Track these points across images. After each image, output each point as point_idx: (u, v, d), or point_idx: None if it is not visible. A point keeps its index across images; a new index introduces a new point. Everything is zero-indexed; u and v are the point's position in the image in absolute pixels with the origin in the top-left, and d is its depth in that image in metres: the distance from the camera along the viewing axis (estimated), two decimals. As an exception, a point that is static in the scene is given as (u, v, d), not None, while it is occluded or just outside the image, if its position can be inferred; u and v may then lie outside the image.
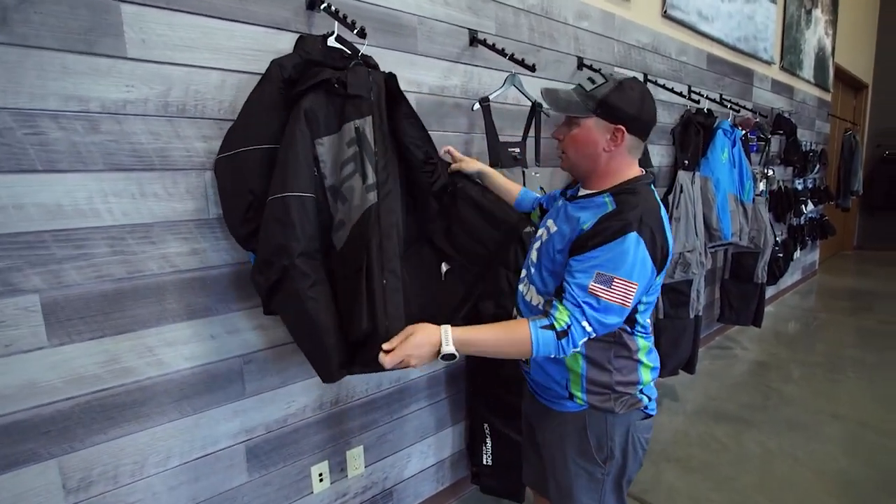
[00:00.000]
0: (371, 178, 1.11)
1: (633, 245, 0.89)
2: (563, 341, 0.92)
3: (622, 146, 0.97)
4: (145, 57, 1.07)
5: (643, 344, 1.05)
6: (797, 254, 4.53)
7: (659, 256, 0.94)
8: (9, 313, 0.97)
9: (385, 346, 0.97)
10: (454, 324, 0.97)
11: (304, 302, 1.03)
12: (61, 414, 1.05)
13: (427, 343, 0.94)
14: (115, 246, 1.08)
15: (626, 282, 0.90)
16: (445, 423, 1.82)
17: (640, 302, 0.99)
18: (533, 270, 1.07)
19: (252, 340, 1.30)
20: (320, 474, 1.48)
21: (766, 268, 3.19)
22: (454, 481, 1.88)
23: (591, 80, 0.98)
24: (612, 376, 1.02)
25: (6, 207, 0.95)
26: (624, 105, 0.94)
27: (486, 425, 1.72)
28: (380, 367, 0.98)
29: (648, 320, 1.04)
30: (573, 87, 1.01)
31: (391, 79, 1.22)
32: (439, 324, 0.97)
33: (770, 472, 2.03)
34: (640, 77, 2.52)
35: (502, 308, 1.43)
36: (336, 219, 1.12)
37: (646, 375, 1.06)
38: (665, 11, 2.63)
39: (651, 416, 1.08)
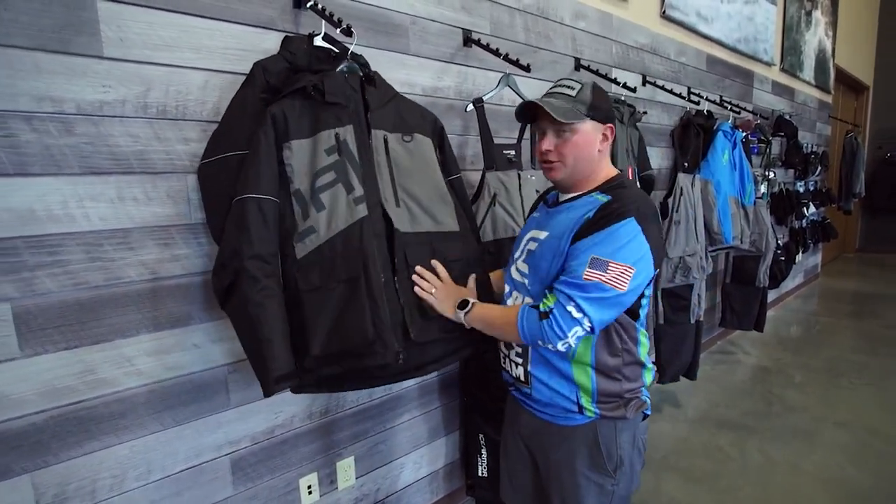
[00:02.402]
0: (359, 191, 1.09)
1: (632, 230, 0.89)
2: (545, 324, 0.89)
3: (607, 145, 1.01)
4: (123, 56, 1.04)
5: (643, 343, 1.04)
6: (799, 257, 4.48)
7: (657, 247, 0.93)
8: (-23, 323, 0.93)
9: (425, 277, 1.10)
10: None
11: (248, 307, 0.98)
12: (34, 427, 1.00)
13: (450, 301, 1.09)
14: (92, 252, 1.04)
15: (622, 265, 0.88)
16: (439, 433, 1.77)
17: (642, 294, 0.97)
18: (528, 281, 1.03)
19: (237, 349, 1.25)
20: (309, 486, 1.44)
21: (767, 271, 3.15)
22: (448, 492, 1.83)
23: (568, 87, 1.00)
24: (621, 385, 1.01)
25: (-26, 212, 0.91)
26: (606, 105, 1.00)
27: (481, 436, 1.67)
28: (360, 386, 1.08)
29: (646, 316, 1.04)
30: (553, 96, 1.00)
31: (369, 80, 1.19)
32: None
33: (774, 482, 1.98)
34: (639, 78, 2.49)
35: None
36: (302, 226, 1.06)
37: (647, 377, 1.06)
38: (664, 12, 2.60)
39: (648, 416, 1.08)
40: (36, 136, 0.96)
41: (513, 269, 1.09)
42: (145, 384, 1.13)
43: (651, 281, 0.97)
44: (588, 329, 0.90)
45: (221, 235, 1.08)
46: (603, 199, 0.96)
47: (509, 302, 1.09)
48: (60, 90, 0.97)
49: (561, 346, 0.91)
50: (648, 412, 1.07)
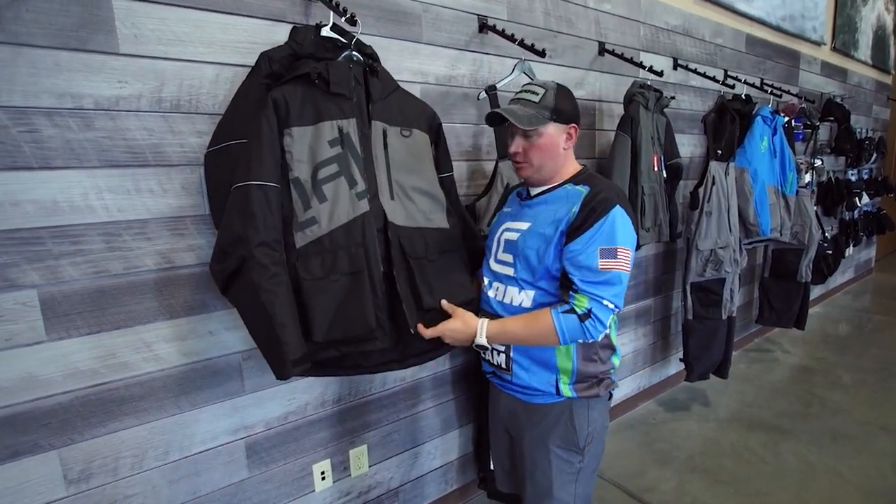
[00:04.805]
0: (361, 185, 1.10)
1: (621, 217, 1.00)
2: (588, 323, 0.98)
3: (572, 142, 1.09)
4: (138, 52, 1.07)
5: (613, 324, 1.11)
6: (849, 250, 4.19)
7: (635, 229, 1.03)
8: (7, 308, 0.99)
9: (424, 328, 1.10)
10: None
11: (259, 294, 0.98)
12: (61, 406, 1.07)
13: (463, 331, 1.07)
14: (111, 242, 1.08)
15: (625, 249, 0.99)
16: (452, 425, 1.77)
17: None
18: (514, 270, 1.08)
19: (251, 337, 1.29)
20: (322, 472, 1.47)
21: (810, 265, 2.96)
22: (462, 484, 1.83)
23: (532, 93, 1.06)
24: (597, 366, 1.09)
25: (2, 204, 0.96)
26: (570, 107, 1.07)
27: (494, 428, 1.65)
28: (361, 371, 1.14)
29: None
30: (517, 102, 1.06)
31: (373, 71, 1.18)
32: None
33: (809, 487, 1.87)
34: (670, 62, 2.37)
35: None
36: (303, 216, 1.06)
37: (616, 359, 1.14)
38: (698, -9, 2.46)
39: (612, 395, 1.18)
40: (58, 131, 1.01)
41: (492, 261, 1.14)
42: (163, 369, 1.18)
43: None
44: (615, 311, 1.01)
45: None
46: (581, 189, 1.04)
47: (490, 293, 1.14)
48: (79, 86, 1.02)
49: (601, 337, 1.02)
50: (613, 392, 1.17)
